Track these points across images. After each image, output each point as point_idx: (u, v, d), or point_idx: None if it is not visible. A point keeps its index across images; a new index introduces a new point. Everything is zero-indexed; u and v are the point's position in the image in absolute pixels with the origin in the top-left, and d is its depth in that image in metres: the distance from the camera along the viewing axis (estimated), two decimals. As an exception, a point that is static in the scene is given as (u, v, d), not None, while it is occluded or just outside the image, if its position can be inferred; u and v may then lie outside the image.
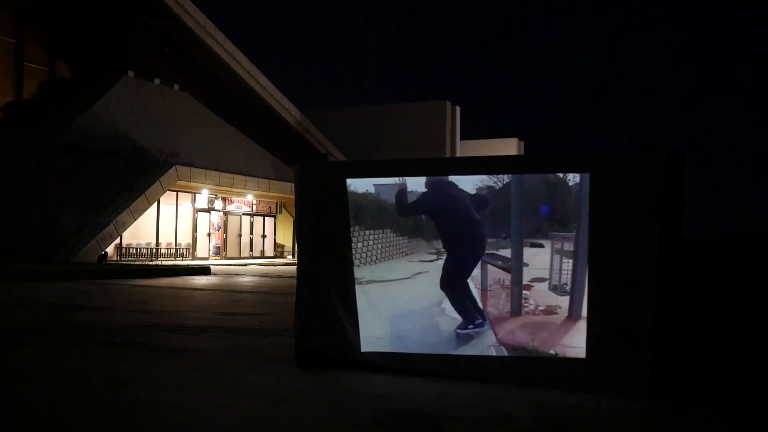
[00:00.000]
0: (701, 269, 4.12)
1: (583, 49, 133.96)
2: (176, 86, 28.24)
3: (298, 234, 5.00)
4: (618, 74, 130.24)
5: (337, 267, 4.75)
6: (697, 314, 4.05)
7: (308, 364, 4.75)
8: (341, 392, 4.17)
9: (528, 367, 4.38)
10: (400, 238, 4.78)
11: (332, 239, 4.78)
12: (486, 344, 4.51)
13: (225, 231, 29.82)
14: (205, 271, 18.53)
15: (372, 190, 4.79)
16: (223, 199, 29.58)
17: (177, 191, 26.26)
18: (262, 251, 32.21)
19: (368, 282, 4.75)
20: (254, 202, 31.58)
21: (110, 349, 5.56)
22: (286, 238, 33.88)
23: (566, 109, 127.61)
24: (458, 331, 4.56)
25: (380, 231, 4.80)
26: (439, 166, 5.22)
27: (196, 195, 27.77)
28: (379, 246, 4.83)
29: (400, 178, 4.71)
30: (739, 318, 4.00)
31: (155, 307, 9.26)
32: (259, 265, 25.87)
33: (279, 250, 33.55)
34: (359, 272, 4.74)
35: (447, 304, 4.61)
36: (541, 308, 4.46)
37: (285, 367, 4.79)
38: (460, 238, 4.65)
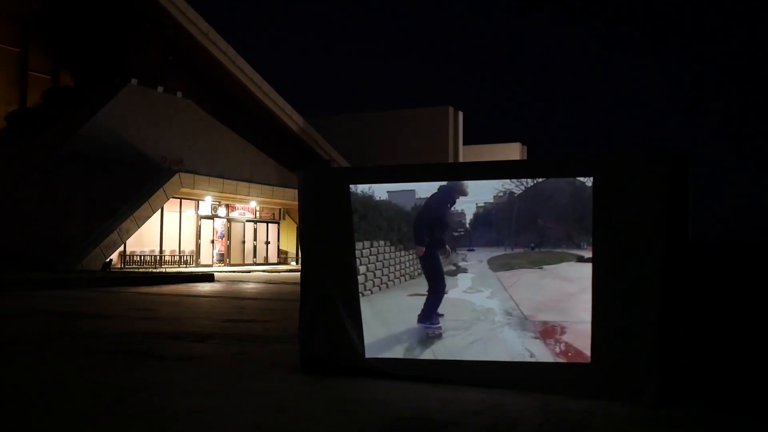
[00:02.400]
0: (707, 274, 4.11)
1: (586, 53, 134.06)
2: (179, 94, 28.29)
3: (302, 240, 4.99)
4: (622, 78, 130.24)
5: (340, 273, 4.75)
6: (703, 319, 4.04)
7: (313, 371, 4.75)
8: (347, 399, 4.16)
9: (533, 373, 4.36)
10: (403, 252, 4.67)
11: (335, 245, 4.78)
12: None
13: (228, 238, 29.82)
14: (208, 278, 18.52)
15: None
16: (227, 206, 29.58)
17: (180, 198, 26.28)
18: (266, 258, 32.20)
19: None
20: (258, 208, 31.59)
21: (115, 358, 5.57)
22: (290, 244, 33.86)
23: (569, 114, 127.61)
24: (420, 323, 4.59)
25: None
26: (443, 171, 5.20)
27: (200, 202, 27.78)
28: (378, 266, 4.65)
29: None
30: (745, 323, 3.99)
31: (160, 314, 9.26)
32: (263, 271, 25.86)
33: (282, 257, 33.54)
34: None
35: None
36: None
37: (290, 374, 4.79)
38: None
